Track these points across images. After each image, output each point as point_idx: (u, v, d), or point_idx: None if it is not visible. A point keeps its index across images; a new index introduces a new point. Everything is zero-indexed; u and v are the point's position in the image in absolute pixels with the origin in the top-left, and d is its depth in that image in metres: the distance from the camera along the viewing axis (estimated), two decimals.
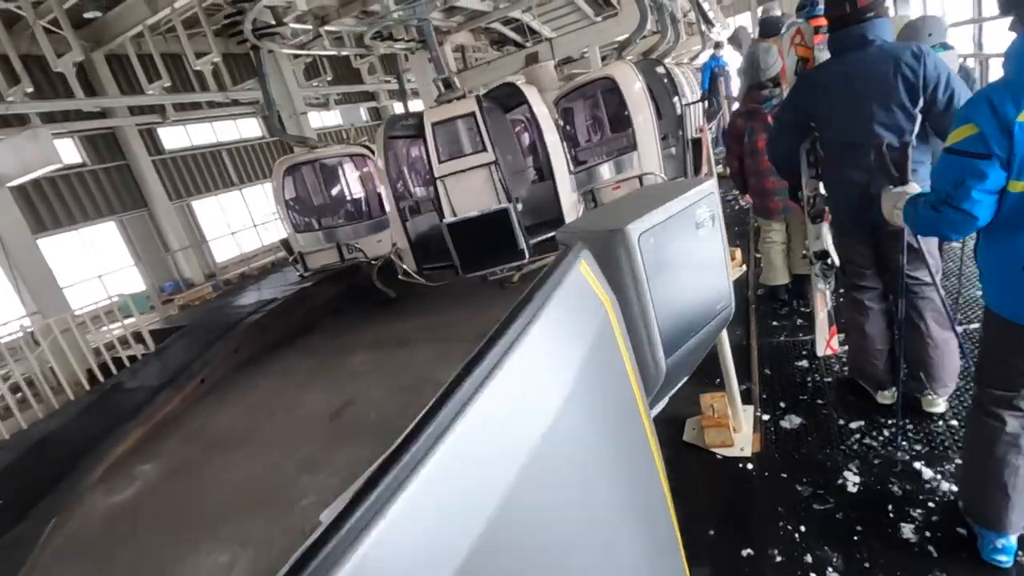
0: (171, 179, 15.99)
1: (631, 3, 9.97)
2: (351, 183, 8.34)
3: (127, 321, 7.84)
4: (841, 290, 2.87)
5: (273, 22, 7.26)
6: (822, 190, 2.52)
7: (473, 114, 5.83)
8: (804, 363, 3.29)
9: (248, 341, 6.66)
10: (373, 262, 7.43)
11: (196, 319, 8.04)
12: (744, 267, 4.58)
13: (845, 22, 2.16)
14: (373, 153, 11.02)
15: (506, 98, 6.45)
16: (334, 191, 8.20)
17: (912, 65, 2.10)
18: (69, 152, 13.81)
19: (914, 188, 1.93)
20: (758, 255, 4.45)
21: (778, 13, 7.49)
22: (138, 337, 8.11)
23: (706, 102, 10.98)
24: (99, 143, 14.29)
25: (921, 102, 2.12)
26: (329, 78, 18.90)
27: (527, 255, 5.83)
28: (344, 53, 11.67)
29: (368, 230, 7.77)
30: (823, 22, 5.51)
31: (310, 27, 8.28)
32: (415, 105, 24.02)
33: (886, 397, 2.74)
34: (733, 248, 4.33)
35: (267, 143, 18.60)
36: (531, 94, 6.14)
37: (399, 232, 6.39)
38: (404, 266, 6.59)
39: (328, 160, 7.97)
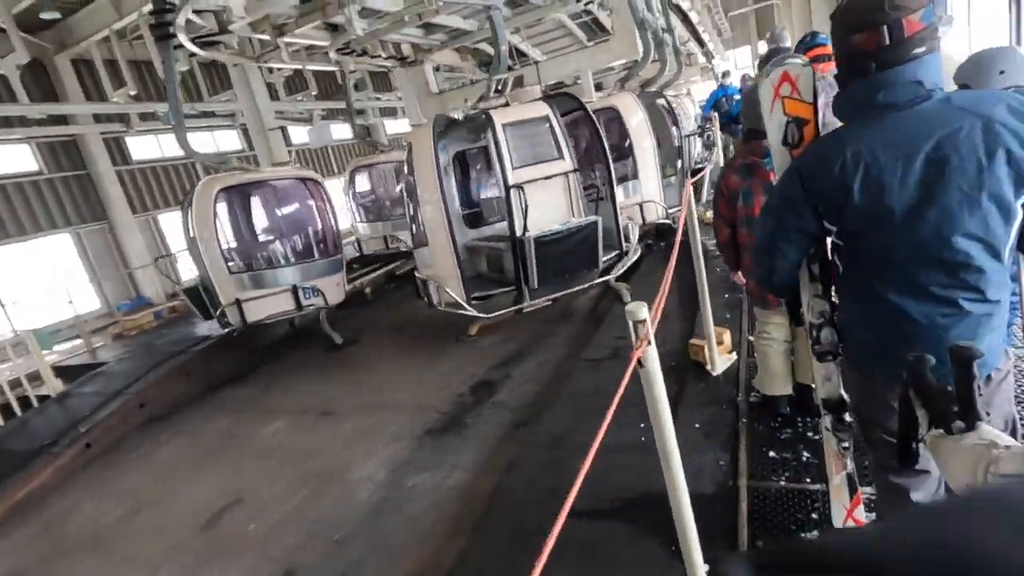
0: (136, 191, 15.17)
1: (624, 29, 9.39)
2: (304, 212, 7.30)
3: (19, 361, 6.92)
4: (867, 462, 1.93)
5: (216, 28, 6.55)
6: (831, 312, 1.65)
7: (547, 117, 5.28)
8: (815, 532, 2.19)
9: (159, 394, 5.76)
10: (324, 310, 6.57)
11: (118, 357, 7.14)
12: (734, 355, 3.45)
13: (883, 62, 1.26)
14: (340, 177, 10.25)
15: (563, 107, 5.83)
16: (283, 222, 7.27)
17: (1018, 130, 1.22)
18: (26, 159, 13.03)
19: (992, 433, 1.01)
20: (751, 338, 3.64)
21: (788, 44, 6.85)
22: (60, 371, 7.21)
23: (703, 132, 10.37)
24: (58, 151, 13.49)
25: None
26: (314, 92, 18.24)
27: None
28: (312, 68, 10.95)
29: (323, 270, 6.77)
30: (824, 50, 4.65)
31: (267, 37, 7.53)
32: (400, 124, 23.44)
33: None
34: (720, 328, 3.50)
35: (248, 156, 17.86)
36: (616, 101, 6.14)
37: (446, 255, 5.13)
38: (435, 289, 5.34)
39: (275, 183, 7.09)
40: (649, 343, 1.74)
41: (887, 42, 1.26)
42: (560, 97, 6.03)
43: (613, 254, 5.52)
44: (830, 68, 4.61)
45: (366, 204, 10.66)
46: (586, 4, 8.96)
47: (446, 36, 10.61)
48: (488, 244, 5.90)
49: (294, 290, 6.31)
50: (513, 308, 5.19)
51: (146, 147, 15.41)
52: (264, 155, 11.23)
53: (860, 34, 1.30)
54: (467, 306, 5.12)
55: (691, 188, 3.30)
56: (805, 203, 1.43)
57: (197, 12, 6.31)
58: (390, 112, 22.68)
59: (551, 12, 10.22)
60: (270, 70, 14.40)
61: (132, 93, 12.73)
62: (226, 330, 6.22)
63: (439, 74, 15.16)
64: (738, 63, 32.72)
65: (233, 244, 6.72)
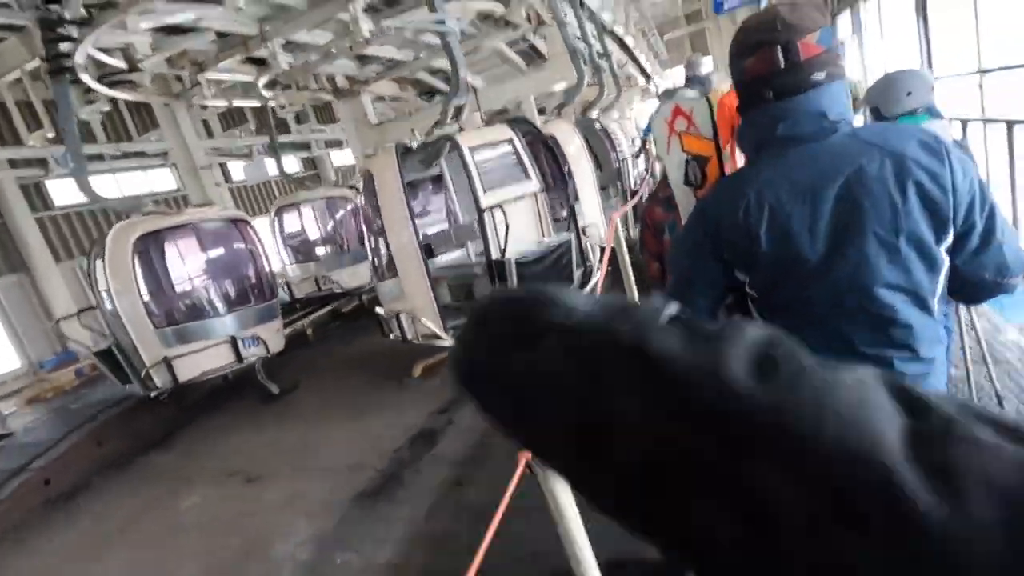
0: (61, 237, 14.22)
1: (559, 54, 9.45)
2: (235, 255, 6.72)
3: None
4: None
5: (124, 66, 6.13)
6: None
7: (511, 140, 5.32)
8: None
9: (67, 468, 5.17)
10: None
11: (26, 427, 6.45)
12: None
13: (780, 89, 1.12)
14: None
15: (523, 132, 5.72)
16: (213, 267, 6.73)
17: (933, 168, 1.07)
18: None
19: None
20: None
21: (704, 71, 6.99)
22: None
23: (639, 154, 10.50)
24: None
25: (951, 235, 1.10)
26: (253, 127, 17.73)
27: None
28: (239, 104, 10.55)
29: (261, 316, 6.23)
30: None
31: (186, 72, 7.15)
32: (346, 155, 23.06)
33: None
34: None
35: (183, 196, 17.07)
36: (554, 129, 5.93)
37: (420, 285, 4.89)
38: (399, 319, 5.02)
39: (201, 226, 6.58)
40: None
41: (781, 66, 1.11)
42: (515, 121, 5.98)
43: (579, 272, 5.45)
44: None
45: (294, 245, 10.11)
46: (523, 32, 8.97)
47: (381, 67, 10.44)
48: (453, 271, 5.73)
49: (232, 341, 5.79)
50: None
51: (70, 191, 14.49)
52: (197, 195, 10.68)
53: (752, 57, 1.15)
54: (445, 336, 4.85)
55: (618, 217, 3.14)
56: (711, 252, 1.26)
57: (104, 50, 5.89)
58: (336, 144, 22.28)
59: (488, 41, 10.21)
60: (203, 106, 13.88)
61: (50, 136, 11.97)
62: (152, 394, 5.61)
63: (383, 104, 14.99)
64: (676, 83, 33.97)
65: (156, 296, 6.11)
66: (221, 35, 6.81)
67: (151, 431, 5.82)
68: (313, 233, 10.50)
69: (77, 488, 4.96)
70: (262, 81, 7.69)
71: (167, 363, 5.44)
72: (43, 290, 13.33)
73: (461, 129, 5.66)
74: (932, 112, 2.42)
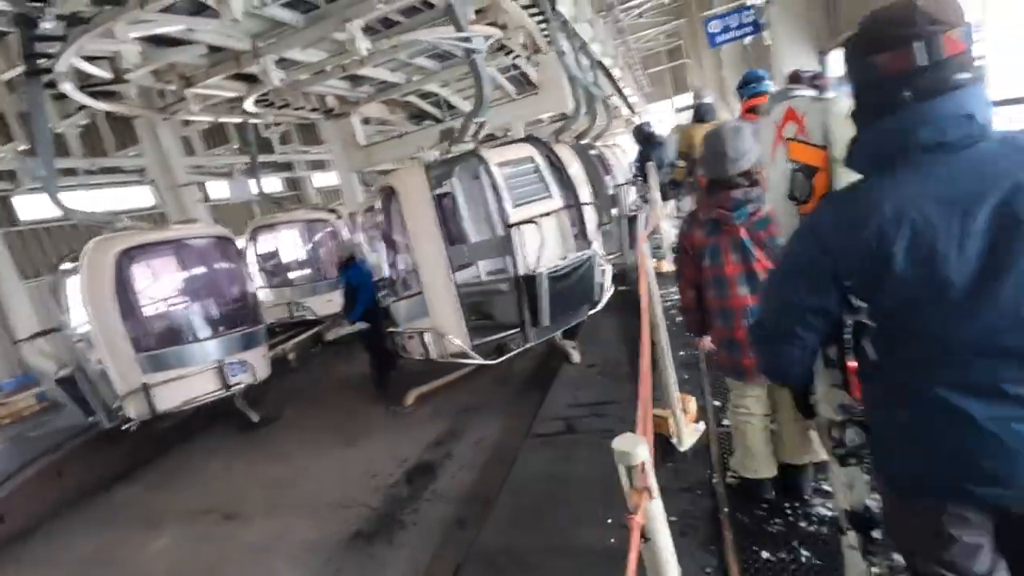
0: (27, 254, 13.62)
1: (551, 82, 9.51)
2: (222, 275, 6.35)
3: None
4: None
5: (109, 76, 5.89)
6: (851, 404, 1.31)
7: (532, 157, 5.34)
8: None
9: (22, 505, 4.72)
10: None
11: None
12: (701, 425, 2.99)
13: (921, 90, 0.97)
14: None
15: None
16: (198, 287, 6.21)
17: None
18: None
19: None
20: (716, 403, 3.31)
21: (710, 100, 7.09)
22: None
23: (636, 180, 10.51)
24: None
25: None
26: (235, 146, 17.45)
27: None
28: (225, 120, 10.32)
29: (248, 341, 5.82)
30: (763, 100, 4.44)
31: (173, 86, 6.91)
32: (328, 177, 22.86)
33: None
34: (684, 395, 3.15)
35: (160, 213, 16.58)
36: (560, 150, 5.76)
37: (448, 302, 4.66)
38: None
39: (188, 242, 6.12)
40: (651, 496, 1.30)
41: (924, 63, 0.97)
42: (529, 140, 5.98)
43: (598, 286, 5.39)
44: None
45: (268, 268, 9.72)
46: (514, 58, 8.99)
47: (373, 89, 10.35)
48: (474, 288, 5.54)
49: (219, 367, 5.36)
50: (514, 352, 4.86)
51: (37, 207, 13.93)
52: (176, 212, 10.31)
53: (886, 54, 1.01)
54: (474, 354, 4.65)
55: (644, 244, 3.01)
56: (827, 275, 1.11)
57: (89, 59, 5.64)
58: (319, 165, 22.08)
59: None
60: (185, 123, 13.60)
61: (20, 148, 11.55)
62: (123, 426, 5.04)
63: (369, 126, 14.90)
64: (659, 116, 34.91)
65: (137, 317, 5.59)
66: (213, 49, 6.63)
67: (118, 462, 5.39)
68: (289, 257, 10.14)
69: (32, 528, 4.51)
70: (251, 98, 7.50)
71: (146, 390, 4.97)
72: (6, 309, 12.67)
73: (476, 148, 5.57)
74: None
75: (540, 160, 5.34)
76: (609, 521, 2.55)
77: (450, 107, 12.02)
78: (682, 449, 2.88)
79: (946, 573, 1.15)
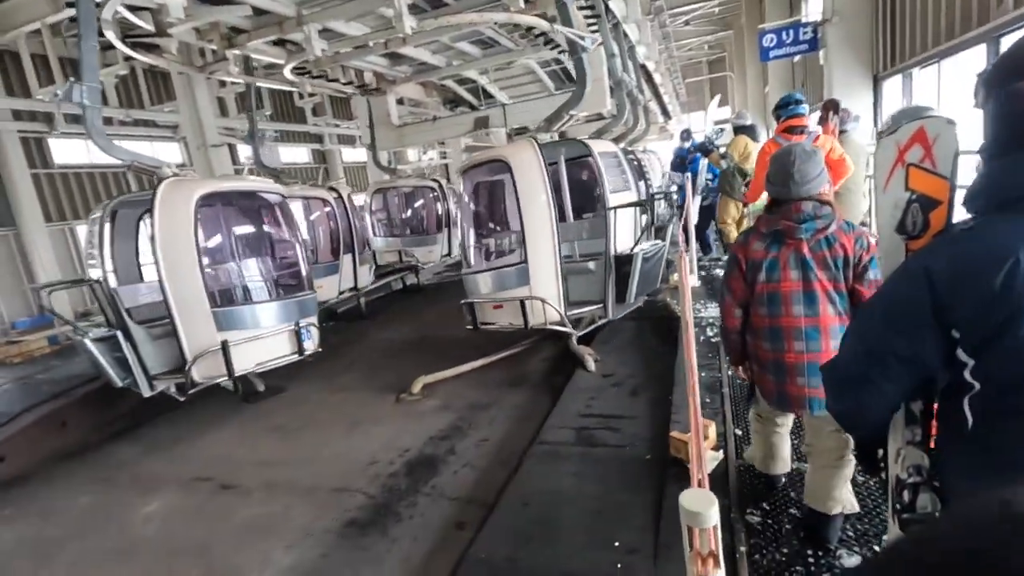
0: (55, 197, 13.78)
1: (596, 83, 9.32)
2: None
3: None
4: None
5: (152, 29, 5.84)
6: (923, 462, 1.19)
7: (616, 154, 5.97)
8: None
9: (23, 449, 4.72)
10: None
11: None
12: (720, 453, 2.86)
13: None
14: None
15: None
16: (273, 241, 5.99)
17: None
18: None
19: None
20: (738, 432, 3.15)
21: (749, 121, 6.97)
22: None
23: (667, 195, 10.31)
24: None
25: None
26: (268, 112, 17.49)
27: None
28: (262, 85, 10.28)
29: (310, 307, 5.55)
30: (799, 122, 4.56)
31: (215, 46, 6.85)
32: (353, 153, 22.86)
33: None
34: (704, 421, 3.02)
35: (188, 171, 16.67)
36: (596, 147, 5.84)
37: (551, 272, 5.04)
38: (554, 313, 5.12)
39: (267, 195, 5.73)
40: (718, 565, 1.17)
41: None
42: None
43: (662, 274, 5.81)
44: (802, 141, 4.48)
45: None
46: (559, 52, 8.81)
47: (411, 69, 10.23)
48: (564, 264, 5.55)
49: (296, 329, 5.18)
50: (599, 323, 5.52)
51: (73, 151, 14.08)
52: (204, 173, 10.30)
53: None
54: (568, 323, 5.11)
55: (685, 257, 2.86)
56: (932, 321, 1.00)
57: (132, 9, 5.60)
58: (348, 140, 22.06)
59: (522, 57, 10.05)
60: (222, 84, 13.62)
61: (58, 92, 11.59)
62: (181, 394, 4.87)
63: (403, 107, 14.80)
64: (692, 126, 34.41)
65: (215, 269, 5.29)
66: (257, 12, 6.56)
67: (120, 418, 5.40)
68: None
69: (31, 472, 4.52)
70: (290, 66, 7.42)
71: (224, 349, 4.64)
72: (28, 249, 12.84)
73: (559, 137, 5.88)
74: None
75: (622, 157, 5.91)
76: (616, 544, 2.43)
77: (487, 95, 11.88)
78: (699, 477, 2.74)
79: None
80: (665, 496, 2.67)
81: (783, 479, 2.60)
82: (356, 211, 10.06)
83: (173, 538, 3.37)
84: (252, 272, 5.72)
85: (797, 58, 13.51)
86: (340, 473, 3.86)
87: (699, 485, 1.52)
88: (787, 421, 2.50)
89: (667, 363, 4.42)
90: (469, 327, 5.51)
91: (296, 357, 5.26)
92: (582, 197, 6.06)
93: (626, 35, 8.87)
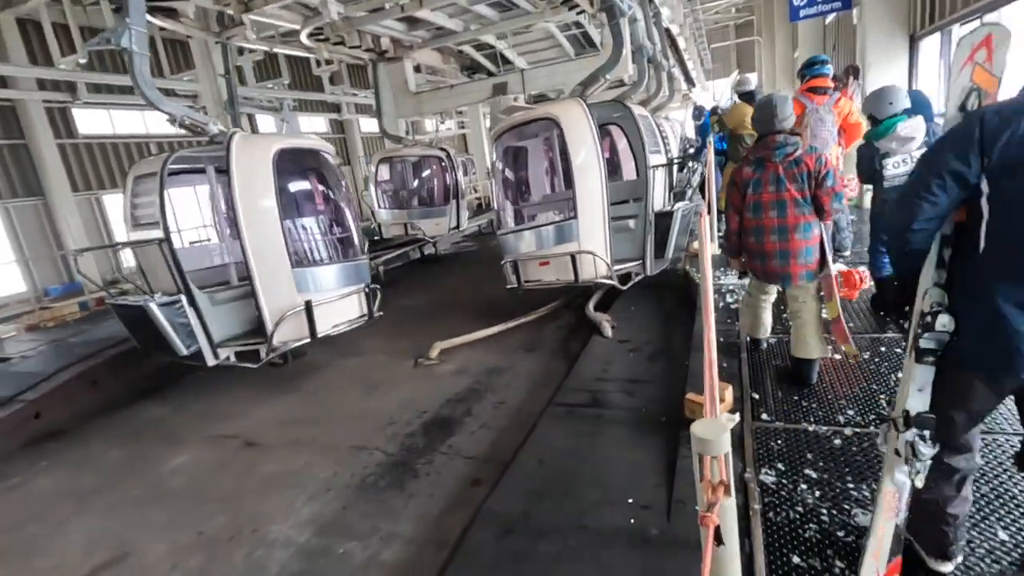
0: (80, 167, 14.01)
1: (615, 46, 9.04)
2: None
3: None
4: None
5: None
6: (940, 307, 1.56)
7: (647, 116, 6.15)
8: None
9: (58, 405, 4.92)
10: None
11: (22, 353, 6.21)
12: (736, 416, 2.93)
13: None
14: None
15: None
16: (343, 202, 5.68)
17: None
18: None
19: None
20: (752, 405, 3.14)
21: (752, 86, 6.99)
22: None
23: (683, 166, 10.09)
24: None
25: None
26: (286, 81, 17.41)
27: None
28: (280, 51, 10.20)
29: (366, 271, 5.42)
30: (822, 82, 4.69)
31: (231, 11, 6.80)
32: (370, 123, 22.67)
33: (946, 567, 1.77)
34: (721, 383, 2.99)
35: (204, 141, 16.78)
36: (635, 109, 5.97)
37: (600, 227, 5.22)
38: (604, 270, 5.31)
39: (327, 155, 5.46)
40: (728, 494, 1.17)
41: None
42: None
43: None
44: (824, 101, 4.56)
45: (388, 193, 11.48)
46: (579, 13, 8.54)
47: (429, 34, 10.05)
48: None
49: (368, 291, 5.19)
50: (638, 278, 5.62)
51: (96, 121, 14.25)
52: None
53: None
54: (615, 277, 5.33)
55: (705, 219, 2.80)
56: (976, 148, 1.41)
57: None
58: (365, 109, 21.89)
59: (541, 20, 9.77)
60: (240, 51, 13.55)
61: (82, 61, 11.73)
62: (256, 361, 4.72)
63: (420, 76, 14.59)
64: (716, 95, 33.38)
65: (293, 228, 5.03)
66: None
67: (147, 377, 5.57)
68: (406, 185, 11.55)
69: (65, 428, 4.71)
70: (306, 30, 7.34)
71: (308, 310, 4.54)
72: (56, 218, 13.14)
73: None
74: (908, 113, 3.42)
75: (652, 120, 6.06)
76: (630, 501, 2.45)
77: (505, 61, 11.64)
78: None
79: (958, 416, 1.58)
80: (679, 456, 2.67)
81: (764, 343, 3.57)
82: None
83: (200, 488, 3.50)
84: (323, 232, 5.45)
85: (829, 19, 12.91)
86: (359, 432, 3.95)
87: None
88: (769, 295, 3.40)
89: (685, 330, 4.39)
90: (511, 287, 5.66)
91: (365, 320, 5.23)
92: (621, 157, 6.27)
93: (651, 1, 8.55)
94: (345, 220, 5.49)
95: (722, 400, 2.90)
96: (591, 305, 5.42)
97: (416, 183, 11.29)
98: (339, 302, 4.92)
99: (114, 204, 14.49)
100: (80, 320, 8.20)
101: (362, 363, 5.45)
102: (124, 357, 5.74)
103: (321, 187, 5.56)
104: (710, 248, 6.40)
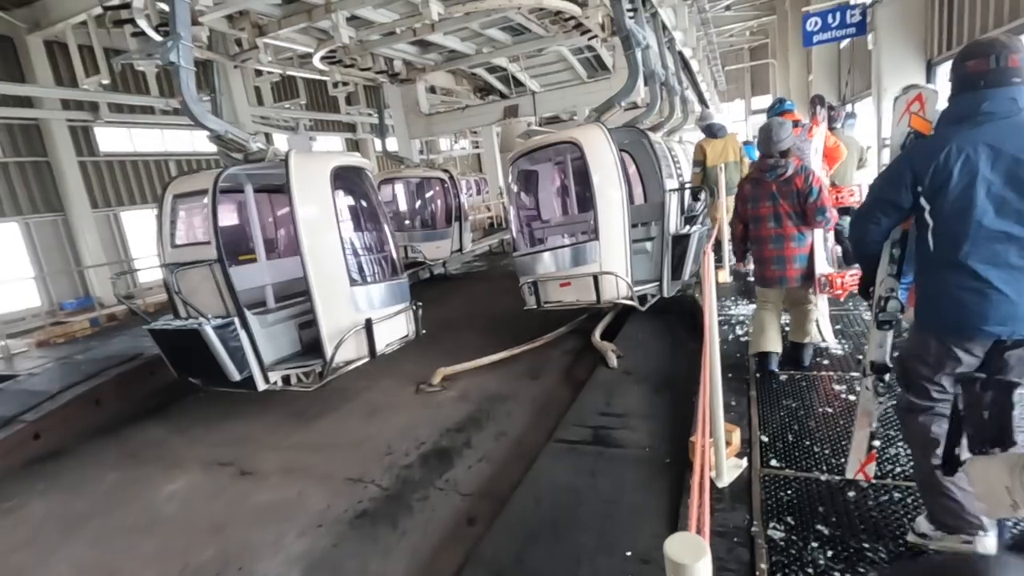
0: (100, 184, 14.27)
1: (625, 69, 9.07)
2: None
3: None
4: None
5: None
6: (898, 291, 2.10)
7: (662, 143, 6.46)
8: None
9: (59, 425, 4.90)
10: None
11: (29, 371, 6.24)
12: (744, 462, 2.68)
13: (991, 82, 1.71)
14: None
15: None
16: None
17: None
18: None
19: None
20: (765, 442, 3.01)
21: (713, 119, 7.27)
22: None
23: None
24: (17, 133, 12.58)
25: None
26: (303, 102, 17.71)
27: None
28: (293, 74, 10.38)
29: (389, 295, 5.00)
30: (791, 117, 4.93)
31: (245, 34, 6.92)
32: (391, 143, 22.88)
33: (987, 545, 1.86)
34: (728, 425, 2.84)
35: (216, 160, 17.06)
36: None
37: (621, 249, 5.29)
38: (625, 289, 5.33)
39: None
40: None
41: (992, 66, 1.70)
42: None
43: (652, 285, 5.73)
44: (799, 132, 4.82)
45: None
46: (590, 38, 8.59)
47: (441, 57, 10.17)
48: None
49: (415, 308, 5.12)
50: (654, 300, 5.69)
51: (116, 139, 14.56)
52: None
53: (974, 60, 1.74)
54: (635, 297, 5.34)
55: (711, 254, 2.71)
56: (908, 182, 1.83)
57: None
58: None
59: (553, 44, 9.85)
60: (258, 73, 13.84)
61: (105, 82, 12.05)
62: (311, 383, 4.62)
63: (435, 96, 14.76)
64: (730, 116, 33.33)
65: (351, 244, 4.76)
66: (287, 1, 6.59)
67: (152, 396, 5.55)
68: (405, 206, 11.30)
69: (66, 449, 4.68)
70: (319, 53, 7.45)
71: (368, 328, 4.42)
72: (76, 234, 13.36)
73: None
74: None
75: (664, 147, 6.25)
76: (628, 554, 2.32)
77: (517, 83, 11.73)
78: (720, 485, 2.60)
79: (927, 385, 1.92)
80: (682, 503, 2.54)
81: (772, 357, 3.63)
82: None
83: (192, 517, 3.43)
84: (373, 250, 5.29)
85: (844, 43, 12.85)
86: (355, 462, 3.86)
87: (698, 530, 1.39)
88: (771, 300, 3.69)
89: (694, 361, 4.24)
90: (529, 308, 5.67)
91: (412, 337, 5.13)
92: (636, 181, 6.43)
93: (665, 27, 8.55)
94: (389, 238, 5.39)
95: (729, 443, 2.77)
96: (597, 333, 5.31)
97: (417, 205, 11.22)
98: (390, 320, 4.79)
99: (132, 220, 14.74)
100: (90, 336, 8.27)
101: (365, 387, 5.37)
102: (128, 376, 5.74)
103: (367, 204, 5.37)
104: (720, 276, 6.31)
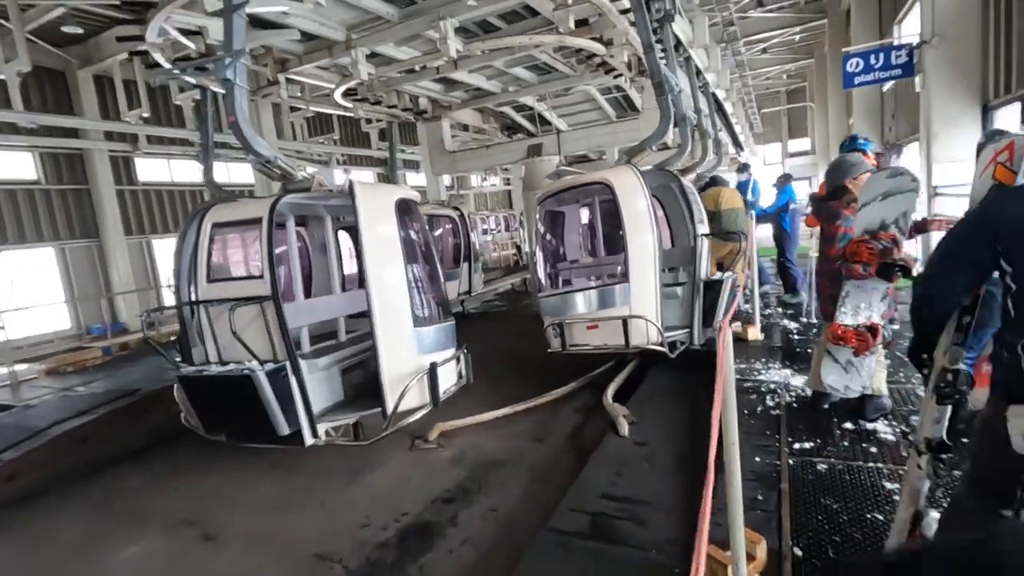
0: (136, 212, 14.70)
1: (654, 110, 8.80)
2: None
3: None
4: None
5: (199, 48, 5.93)
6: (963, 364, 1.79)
7: (692, 187, 6.19)
8: None
9: (38, 467, 4.67)
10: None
11: (27, 403, 6.12)
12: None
13: None
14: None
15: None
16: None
17: None
18: (26, 167, 12.70)
19: None
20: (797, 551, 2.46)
21: (715, 172, 7.61)
22: None
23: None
24: (61, 162, 13.10)
25: None
26: (336, 136, 18.09)
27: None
28: (316, 109, 10.48)
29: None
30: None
31: (268, 70, 6.94)
32: (416, 178, 23.14)
33: None
34: (751, 533, 2.29)
35: (252, 191, 17.46)
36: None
37: (652, 292, 5.08)
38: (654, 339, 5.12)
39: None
40: None
41: None
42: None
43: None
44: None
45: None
46: (616, 76, 8.36)
47: (467, 95, 10.12)
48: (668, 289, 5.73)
49: (464, 356, 4.76)
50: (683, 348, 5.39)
51: (155, 170, 15.05)
52: (268, 192, 10.61)
53: None
54: (665, 343, 5.11)
55: (728, 328, 2.27)
56: (986, 240, 1.68)
57: (184, 32, 5.71)
58: (412, 164, 22.49)
59: (580, 83, 9.69)
60: (293, 109, 14.15)
61: (145, 115, 12.49)
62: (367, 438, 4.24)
63: (466, 134, 14.79)
64: (767, 159, 32.69)
65: (413, 282, 4.36)
66: (308, 37, 6.59)
67: (140, 437, 5.30)
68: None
69: (39, 492, 4.43)
70: (340, 89, 7.42)
71: (432, 372, 4.07)
72: (108, 260, 13.68)
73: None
74: None
75: (695, 190, 6.04)
76: None
77: (544, 122, 11.60)
78: None
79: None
80: None
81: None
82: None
83: None
84: (429, 290, 4.75)
85: (887, 85, 12.31)
86: (327, 531, 3.45)
87: None
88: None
89: (707, 426, 3.73)
90: (554, 350, 5.43)
91: (464, 383, 4.73)
92: (664, 224, 6.22)
93: (699, 72, 8.28)
94: (440, 276, 5.03)
95: (752, 559, 2.26)
96: (610, 393, 4.84)
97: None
98: (446, 365, 4.36)
99: (162, 248, 15.06)
100: (100, 366, 8.20)
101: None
102: (120, 414, 5.54)
103: (422, 239, 4.85)
104: (750, 333, 5.78)
